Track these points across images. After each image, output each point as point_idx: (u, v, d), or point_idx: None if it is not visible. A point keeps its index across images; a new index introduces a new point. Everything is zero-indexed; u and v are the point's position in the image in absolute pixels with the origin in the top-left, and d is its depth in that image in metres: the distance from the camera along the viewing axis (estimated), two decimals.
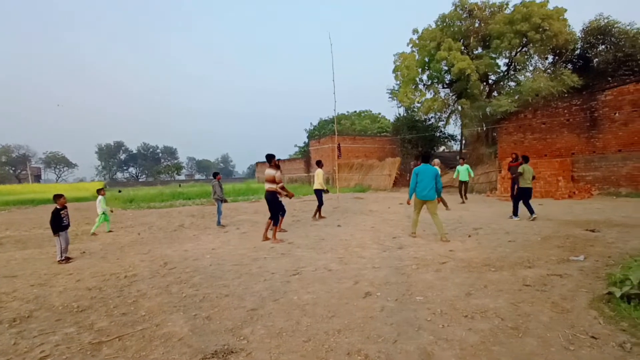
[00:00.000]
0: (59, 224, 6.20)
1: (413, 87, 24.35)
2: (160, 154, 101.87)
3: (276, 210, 7.43)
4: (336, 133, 17.08)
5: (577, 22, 32.96)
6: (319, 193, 10.53)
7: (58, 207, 6.33)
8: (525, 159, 9.38)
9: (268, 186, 7.33)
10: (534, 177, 9.23)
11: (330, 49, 13.50)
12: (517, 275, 4.48)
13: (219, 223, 10.07)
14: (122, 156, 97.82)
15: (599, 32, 19.68)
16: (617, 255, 5.18)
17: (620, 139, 14.16)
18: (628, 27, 19.10)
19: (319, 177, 10.46)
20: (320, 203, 10.64)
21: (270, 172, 7.33)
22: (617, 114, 14.26)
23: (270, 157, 7.46)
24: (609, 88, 14.65)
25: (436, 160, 10.80)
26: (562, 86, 16.75)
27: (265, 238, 7.57)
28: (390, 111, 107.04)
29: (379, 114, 46.99)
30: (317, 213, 10.69)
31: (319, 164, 10.95)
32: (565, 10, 19.81)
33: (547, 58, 21.93)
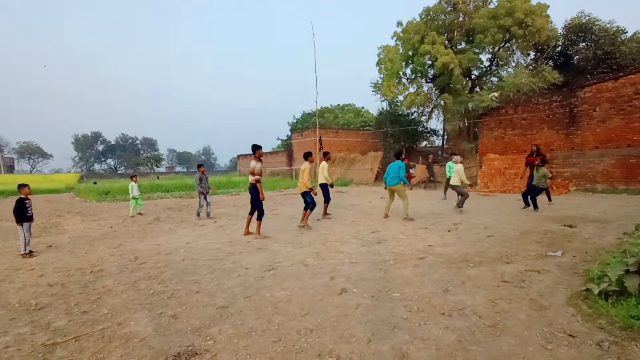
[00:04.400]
0: (23, 213, 5.86)
1: (396, 80, 24.29)
2: (140, 146, 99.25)
3: (258, 205, 7.05)
4: (317, 126, 16.94)
5: (559, 18, 33.43)
6: (324, 188, 9.28)
7: (22, 196, 5.98)
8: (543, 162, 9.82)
9: (251, 179, 6.96)
10: (550, 178, 9.80)
11: (312, 39, 13.25)
12: (496, 271, 4.43)
13: (198, 214, 9.93)
14: (100, 147, 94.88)
15: (580, 29, 20.01)
16: (593, 250, 5.20)
17: (597, 136, 14.46)
18: (608, 25, 19.48)
19: (323, 171, 9.30)
20: (327, 199, 9.40)
21: (252, 164, 6.97)
22: (595, 111, 14.53)
23: (255, 148, 7.06)
24: (588, 85, 14.90)
25: (457, 157, 10.43)
26: (543, 82, 16.98)
27: (247, 232, 7.34)
28: (374, 105, 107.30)
29: (362, 107, 46.97)
30: (325, 210, 9.54)
31: (326, 155, 9.79)
32: (548, 6, 20.04)
33: (529, 54, 22.22)
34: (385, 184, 9.00)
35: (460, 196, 9.67)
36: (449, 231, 7.08)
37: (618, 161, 13.87)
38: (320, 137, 17.55)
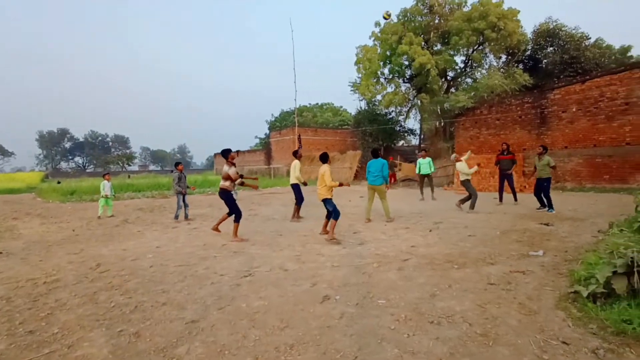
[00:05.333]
0: None
1: (374, 80, 24.36)
2: (111, 143, 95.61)
3: (234, 208, 6.84)
4: (296, 124, 16.64)
5: (528, 24, 34.61)
6: (296, 188, 8.93)
7: None
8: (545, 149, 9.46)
9: (222, 183, 6.83)
10: (553, 167, 9.15)
11: (291, 36, 12.93)
12: (481, 272, 4.30)
13: (176, 217, 9.31)
14: (67, 144, 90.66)
15: (548, 34, 20.68)
16: (573, 249, 5.20)
17: (566, 136, 14.92)
18: (573, 31, 20.23)
19: (295, 170, 8.86)
20: (298, 200, 8.95)
21: (224, 169, 6.82)
22: (564, 113, 14.98)
23: (226, 152, 6.87)
24: (557, 87, 15.35)
25: (456, 155, 10.46)
26: (515, 84, 17.41)
27: (216, 228, 7.19)
28: (352, 104, 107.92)
29: (341, 107, 46.96)
30: (296, 213, 9.02)
31: (295, 154, 9.33)
32: (519, 11, 20.60)
33: (500, 57, 22.78)
34: (368, 183, 8.40)
35: (470, 196, 9.60)
36: (430, 231, 6.97)
37: (585, 160, 14.35)
38: (299, 136, 17.28)
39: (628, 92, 13.05)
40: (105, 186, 10.57)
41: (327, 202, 6.55)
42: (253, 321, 3.12)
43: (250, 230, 7.60)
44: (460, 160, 9.78)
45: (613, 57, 20.55)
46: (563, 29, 20.32)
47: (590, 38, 20.18)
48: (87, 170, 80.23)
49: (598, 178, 13.91)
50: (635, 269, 2.96)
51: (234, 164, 6.96)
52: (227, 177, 6.80)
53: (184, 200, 9.37)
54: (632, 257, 3.01)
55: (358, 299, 3.59)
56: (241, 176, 7.22)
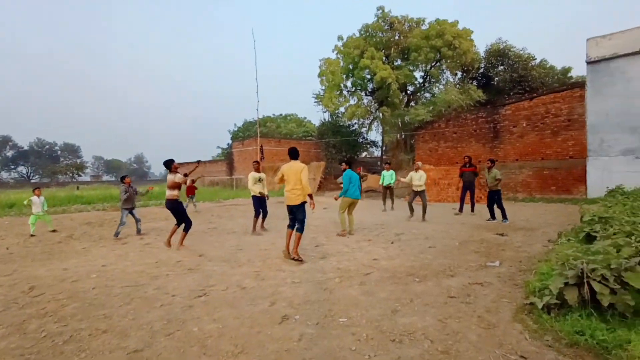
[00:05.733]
0: None
1: (337, 92, 24.70)
2: (60, 152, 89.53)
3: (184, 218, 6.78)
4: (259, 134, 16.38)
5: (481, 43, 36.79)
6: (255, 200, 8.54)
7: None
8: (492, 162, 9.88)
9: (169, 194, 6.80)
10: (498, 180, 9.49)
11: (253, 45, 12.80)
12: (442, 285, 4.31)
13: (116, 235, 8.51)
14: (9, 153, 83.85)
15: (499, 54, 22.08)
16: (526, 259, 5.39)
17: (517, 150, 15.82)
18: (521, 52, 21.72)
19: (250, 182, 8.56)
20: (257, 212, 8.54)
21: (169, 177, 6.84)
22: (515, 127, 15.90)
23: (169, 163, 6.93)
24: (508, 103, 16.31)
25: (418, 163, 10.71)
26: (470, 100, 18.32)
27: (168, 244, 7.01)
28: (316, 116, 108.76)
29: (305, 118, 47.10)
30: (255, 224, 8.68)
31: (255, 164, 8.98)
32: (472, 31, 21.81)
33: (456, 74, 23.95)
34: (350, 196, 7.80)
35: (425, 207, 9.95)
36: (392, 243, 6.99)
37: (534, 172, 15.27)
38: (261, 146, 17.00)
39: (570, 110, 14.13)
40: (34, 202, 9.48)
41: (300, 209, 5.58)
42: (205, 347, 2.88)
43: (208, 245, 7.25)
44: (420, 170, 10.06)
45: (556, 77, 22.27)
46: (512, 49, 21.77)
47: (536, 59, 21.77)
48: (32, 181, 74.61)
49: (546, 189, 14.83)
50: (585, 280, 3.06)
51: (178, 172, 6.98)
52: (174, 186, 6.80)
53: (133, 215, 8.75)
54: (582, 268, 3.11)
55: (318, 318, 3.45)
56: (186, 175, 7.33)
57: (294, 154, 5.78)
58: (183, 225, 6.91)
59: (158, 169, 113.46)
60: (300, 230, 5.65)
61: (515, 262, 5.28)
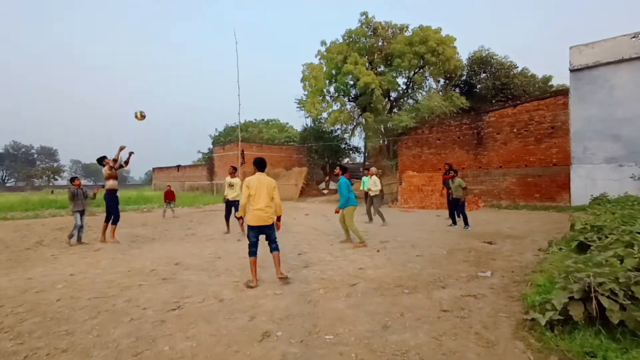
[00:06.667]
0: None
1: (320, 98, 24.43)
2: (36, 155, 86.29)
3: (114, 210, 7.65)
4: (239, 139, 15.95)
5: (463, 51, 37.31)
6: (226, 204, 9.20)
7: None
8: (455, 172, 10.00)
9: (108, 185, 7.63)
10: (464, 188, 9.50)
11: (235, 47, 12.43)
12: (433, 297, 4.01)
13: (70, 236, 7.98)
14: None
15: (481, 61, 22.33)
16: (518, 269, 5.15)
17: (501, 157, 15.86)
18: (503, 60, 22.02)
19: (225, 187, 9.19)
20: (226, 216, 9.27)
21: (104, 171, 7.69)
22: (498, 134, 15.97)
23: (100, 160, 7.75)
24: (492, 110, 16.39)
25: (373, 169, 10.72)
26: (453, 106, 18.36)
27: (104, 240, 7.72)
28: (298, 121, 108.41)
29: (287, 123, 46.72)
30: (228, 225, 9.34)
31: (233, 170, 9.27)
32: (455, 39, 21.96)
33: (439, 81, 24.07)
34: (352, 204, 7.28)
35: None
36: (377, 251, 6.67)
37: (518, 180, 15.32)
38: (242, 151, 16.55)
39: (553, 117, 14.26)
40: None
41: (272, 228, 4.79)
42: None
43: (185, 253, 6.80)
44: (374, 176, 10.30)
45: (537, 85, 22.66)
46: (494, 57, 22.05)
47: (517, 67, 22.10)
48: (7, 185, 71.69)
49: (530, 196, 14.87)
50: (592, 294, 2.81)
51: (112, 167, 7.71)
52: (109, 176, 7.57)
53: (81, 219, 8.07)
54: (588, 282, 2.86)
55: (302, 335, 3.08)
56: (114, 160, 7.83)
57: (261, 166, 4.91)
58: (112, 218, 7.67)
59: (138, 174, 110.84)
60: (277, 249, 4.87)
61: (507, 272, 5.04)
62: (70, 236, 7.99)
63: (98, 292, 4.44)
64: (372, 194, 10.27)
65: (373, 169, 10.73)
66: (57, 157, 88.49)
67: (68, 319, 3.52)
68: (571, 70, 13.10)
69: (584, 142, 12.82)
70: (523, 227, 9.41)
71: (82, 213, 8.04)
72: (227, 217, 9.21)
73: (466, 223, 9.30)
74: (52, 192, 32.92)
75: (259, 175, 4.83)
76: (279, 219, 4.89)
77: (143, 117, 8.29)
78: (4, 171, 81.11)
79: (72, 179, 8.39)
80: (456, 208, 9.69)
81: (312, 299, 4.06)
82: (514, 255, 6.12)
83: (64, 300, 4.11)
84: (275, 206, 4.79)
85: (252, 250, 4.65)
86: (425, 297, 4.05)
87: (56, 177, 68.94)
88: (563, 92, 14.56)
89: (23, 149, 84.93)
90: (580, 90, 12.89)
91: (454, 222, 9.79)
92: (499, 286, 4.39)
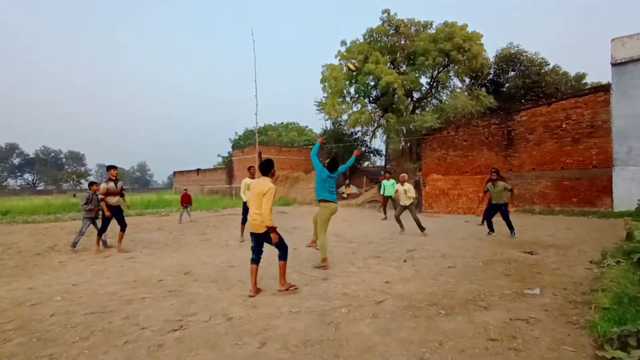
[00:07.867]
0: None
1: (340, 99, 23.88)
2: (65, 160, 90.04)
3: (103, 223, 7.53)
4: (257, 140, 15.62)
5: (490, 48, 36.01)
6: (244, 207, 8.34)
7: None
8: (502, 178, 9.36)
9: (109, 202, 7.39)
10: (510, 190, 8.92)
11: (253, 47, 12.11)
12: (475, 321, 3.40)
13: (73, 245, 7.74)
14: (16, 160, 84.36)
15: (509, 59, 21.24)
16: (571, 286, 4.44)
17: (533, 158, 14.86)
18: (534, 56, 20.87)
19: (242, 187, 8.45)
20: (243, 220, 8.46)
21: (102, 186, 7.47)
22: (531, 134, 14.98)
23: (108, 168, 7.63)
24: (523, 109, 15.41)
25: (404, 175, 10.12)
26: (481, 106, 17.43)
27: (97, 249, 7.55)
28: (318, 124, 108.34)
29: (306, 126, 46.50)
30: (242, 231, 8.69)
31: (249, 169, 8.55)
32: (482, 35, 21.00)
33: (464, 80, 23.12)
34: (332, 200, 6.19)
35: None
36: (404, 261, 6.07)
37: (553, 183, 14.28)
38: (260, 153, 16.24)
39: (593, 115, 13.20)
40: None
41: (268, 235, 4.34)
42: None
43: (197, 261, 6.42)
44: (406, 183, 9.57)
45: (570, 84, 21.38)
46: (524, 54, 20.93)
47: (549, 64, 20.90)
48: (37, 188, 74.73)
49: (566, 201, 13.81)
50: None
51: (112, 180, 7.43)
52: (107, 194, 7.34)
53: (96, 226, 7.77)
54: None
55: None
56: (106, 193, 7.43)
57: (265, 169, 4.53)
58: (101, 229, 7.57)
59: (161, 177, 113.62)
60: (283, 257, 4.49)
61: (559, 289, 4.34)
62: (74, 244, 7.71)
63: (97, 306, 4.06)
64: (406, 202, 9.31)
65: (404, 175, 9.96)
66: (84, 161, 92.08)
67: (56, 340, 3.14)
68: (613, 64, 12.07)
69: (629, 142, 11.75)
70: (564, 235, 8.56)
71: (94, 220, 7.80)
72: (243, 222, 8.48)
73: (511, 229, 8.49)
74: (75, 195, 33.59)
75: (258, 178, 4.65)
76: (270, 230, 4.27)
77: (356, 67, 8.50)
78: (35, 175, 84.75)
79: (91, 184, 8.17)
80: (494, 214, 8.91)
81: (332, 320, 3.53)
82: (562, 268, 5.38)
83: (57, 316, 3.75)
84: (262, 215, 4.25)
85: (252, 258, 4.45)
86: (467, 320, 3.44)
87: (82, 180, 71.37)
88: (603, 88, 13.45)
89: (52, 154, 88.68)
90: (623, 86, 11.84)
91: (491, 229, 8.94)
92: (553, 308, 3.73)
